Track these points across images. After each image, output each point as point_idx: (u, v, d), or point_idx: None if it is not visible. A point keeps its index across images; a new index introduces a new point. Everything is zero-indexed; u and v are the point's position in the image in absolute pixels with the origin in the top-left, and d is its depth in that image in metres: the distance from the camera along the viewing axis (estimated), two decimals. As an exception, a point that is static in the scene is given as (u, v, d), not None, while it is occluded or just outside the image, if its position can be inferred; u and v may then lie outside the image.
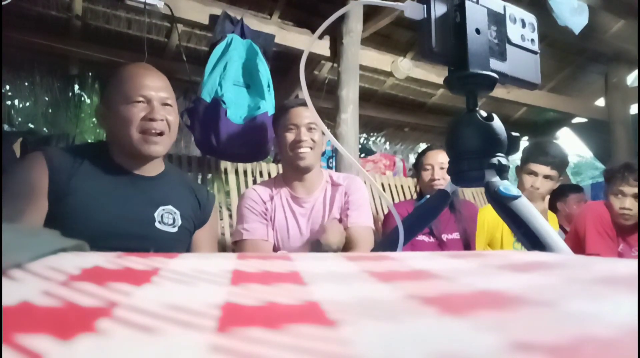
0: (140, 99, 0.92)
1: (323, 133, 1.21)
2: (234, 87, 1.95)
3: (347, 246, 1.17)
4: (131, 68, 0.98)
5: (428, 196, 1.60)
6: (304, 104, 1.23)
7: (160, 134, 0.94)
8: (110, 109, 0.94)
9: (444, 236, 1.58)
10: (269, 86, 2.02)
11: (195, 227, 1.06)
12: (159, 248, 0.94)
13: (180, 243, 1.01)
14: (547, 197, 1.83)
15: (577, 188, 2.68)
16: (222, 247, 2.32)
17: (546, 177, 1.61)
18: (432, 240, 1.58)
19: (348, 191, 1.26)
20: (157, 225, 0.96)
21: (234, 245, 1.27)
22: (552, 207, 2.20)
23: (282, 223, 1.23)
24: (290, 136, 1.20)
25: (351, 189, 1.26)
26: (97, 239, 0.83)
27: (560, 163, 1.63)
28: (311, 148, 1.19)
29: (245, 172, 2.48)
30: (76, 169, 0.92)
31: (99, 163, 0.95)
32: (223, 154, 2.07)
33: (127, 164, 0.97)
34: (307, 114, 1.20)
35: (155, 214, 0.96)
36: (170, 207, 0.99)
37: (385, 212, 2.28)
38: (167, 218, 0.98)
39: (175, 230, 0.98)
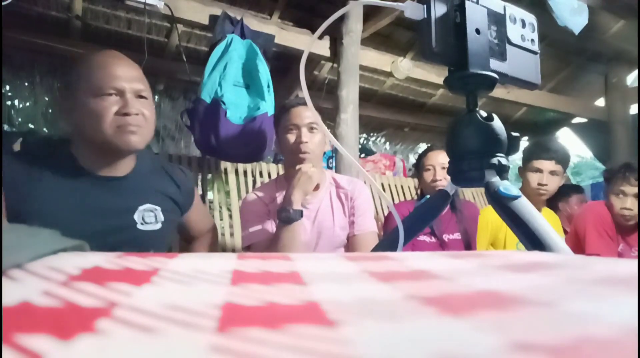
0: (112, 91, 0.82)
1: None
2: (234, 87, 1.96)
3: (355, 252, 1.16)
4: (100, 56, 0.86)
5: (429, 196, 1.60)
6: (305, 103, 1.21)
7: (138, 127, 0.85)
8: (76, 101, 0.83)
9: (445, 237, 1.58)
10: (268, 86, 2.02)
11: (182, 213, 1.01)
12: (143, 247, 0.89)
13: (164, 237, 0.95)
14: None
15: (579, 189, 2.68)
16: (222, 248, 2.32)
17: (552, 173, 1.61)
18: (433, 240, 1.58)
19: (353, 195, 1.24)
20: (139, 227, 0.88)
21: (246, 250, 1.26)
22: (554, 206, 2.20)
23: None
24: (291, 137, 1.18)
25: (355, 193, 1.24)
26: None
27: (563, 157, 1.63)
28: (313, 149, 1.17)
29: (245, 172, 2.48)
30: (35, 181, 0.80)
31: (62, 170, 0.84)
32: (223, 155, 2.07)
33: (95, 165, 0.86)
34: (308, 114, 1.19)
35: (136, 217, 0.88)
36: (149, 205, 0.91)
37: (386, 213, 2.28)
38: (149, 217, 0.90)
39: (158, 226, 0.91)
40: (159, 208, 0.92)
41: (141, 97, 0.86)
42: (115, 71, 0.83)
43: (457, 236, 1.59)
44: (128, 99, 0.83)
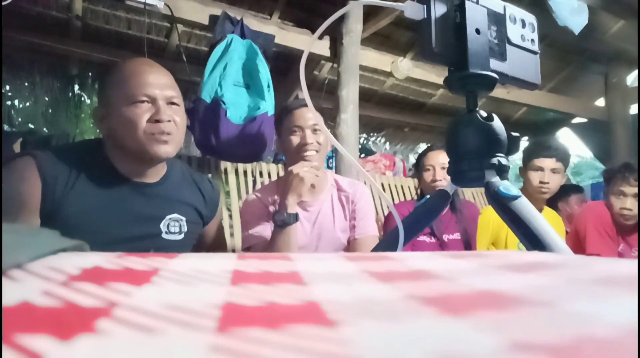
0: (144, 98, 0.83)
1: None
2: (234, 87, 1.96)
3: None
4: (132, 64, 0.88)
5: (428, 196, 1.59)
6: (304, 105, 1.21)
7: (169, 134, 0.85)
8: (110, 110, 0.85)
9: (445, 237, 1.58)
10: (268, 86, 2.02)
11: (204, 224, 1.02)
12: None
13: (185, 248, 0.96)
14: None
15: (579, 188, 2.69)
16: (222, 247, 2.32)
17: (553, 171, 1.61)
18: (433, 240, 1.58)
19: (354, 198, 1.23)
20: (163, 236, 0.90)
21: (246, 251, 1.26)
22: (554, 206, 2.20)
23: None
24: (295, 139, 1.17)
25: (357, 196, 1.23)
26: None
27: (563, 155, 1.63)
28: (317, 151, 1.16)
29: (245, 172, 2.48)
30: (73, 181, 0.81)
31: (98, 172, 0.85)
32: (223, 155, 2.07)
33: (128, 170, 0.87)
34: (311, 116, 1.18)
35: (162, 226, 0.90)
36: (176, 215, 0.92)
37: (386, 213, 2.28)
38: (174, 226, 0.92)
39: (181, 237, 0.92)
40: (184, 219, 0.93)
41: (173, 104, 0.87)
42: (147, 79, 0.84)
43: (456, 236, 1.59)
44: (160, 106, 0.84)
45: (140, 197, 0.88)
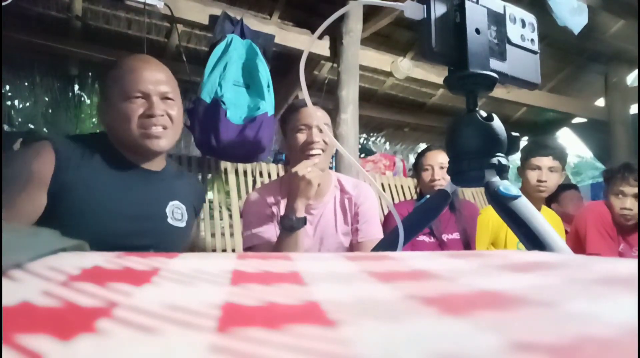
0: (138, 94, 0.88)
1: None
2: (234, 87, 1.96)
3: None
4: (129, 61, 0.93)
5: (428, 196, 1.59)
6: (315, 103, 1.18)
7: (164, 128, 0.90)
8: (109, 105, 0.90)
9: (445, 237, 1.58)
10: (268, 86, 2.02)
11: (196, 216, 1.08)
12: (169, 244, 0.95)
13: (186, 237, 1.02)
14: None
15: (568, 186, 2.67)
16: (222, 248, 2.32)
17: (550, 169, 1.61)
18: (432, 240, 1.58)
19: (357, 201, 1.21)
20: (169, 221, 0.95)
21: (247, 251, 1.24)
22: (550, 207, 2.19)
23: None
24: (301, 137, 1.15)
25: (360, 199, 1.21)
26: (109, 237, 0.82)
27: (560, 153, 1.63)
28: (323, 150, 1.14)
29: (245, 172, 2.48)
30: (86, 162, 0.87)
31: (108, 156, 0.91)
32: (223, 155, 2.07)
33: (134, 158, 0.93)
34: (318, 114, 1.15)
35: (167, 210, 0.95)
36: (177, 202, 0.98)
37: (386, 212, 2.28)
38: (177, 213, 0.97)
39: (183, 224, 0.98)
40: (183, 207, 0.99)
41: (167, 99, 0.91)
42: (141, 75, 0.89)
43: (456, 236, 1.59)
44: (153, 101, 0.88)
45: (148, 182, 0.94)
